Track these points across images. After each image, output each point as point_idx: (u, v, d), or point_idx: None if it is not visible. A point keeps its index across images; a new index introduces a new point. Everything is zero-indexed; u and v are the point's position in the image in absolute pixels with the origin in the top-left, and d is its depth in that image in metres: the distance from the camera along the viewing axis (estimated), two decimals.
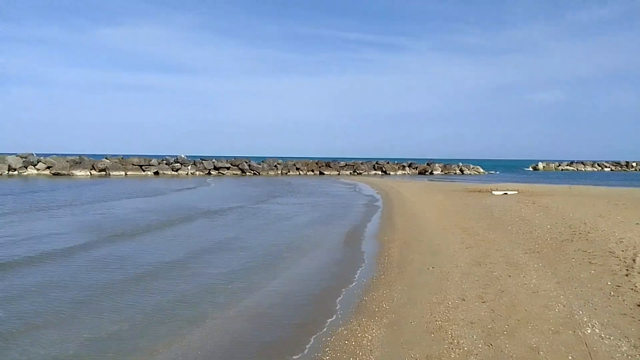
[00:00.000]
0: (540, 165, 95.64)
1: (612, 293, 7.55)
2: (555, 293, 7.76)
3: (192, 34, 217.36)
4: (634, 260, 9.51)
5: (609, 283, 8.10)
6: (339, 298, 8.43)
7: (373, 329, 6.73)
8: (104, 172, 57.38)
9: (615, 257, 9.96)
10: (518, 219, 16.71)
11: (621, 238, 11.98)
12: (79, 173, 55.80)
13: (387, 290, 8.65)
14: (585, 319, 6.50)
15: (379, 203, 25.17)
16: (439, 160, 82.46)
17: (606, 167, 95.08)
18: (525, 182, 45.53)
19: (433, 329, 6.50)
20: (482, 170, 78.52)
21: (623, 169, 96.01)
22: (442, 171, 74.75)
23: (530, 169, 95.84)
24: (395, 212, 20.27)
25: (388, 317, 7.18)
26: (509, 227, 14.84)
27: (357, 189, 36.67)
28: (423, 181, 48.74)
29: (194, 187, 37.49)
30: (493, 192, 29.45)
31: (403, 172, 72.58)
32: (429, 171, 73.87)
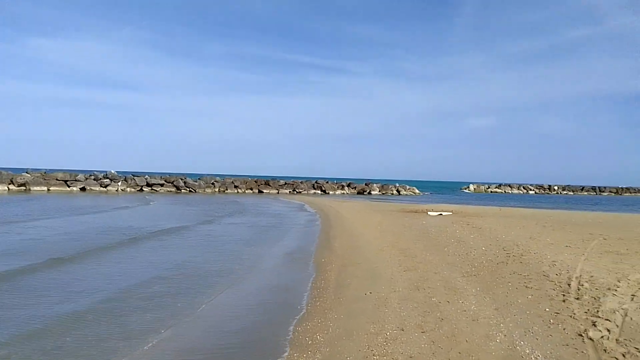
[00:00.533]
0: (472, 187, 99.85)
1: (551, 321, 7.34)
2: (495, 321, 7.45)
3: (132, 50, 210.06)
4: (568, 284, 9.49)
5: (547, 310, 7.92)
6: (270, 329, 7.69)
7: None
8: (23, 187, 53.19)
9: (550, 281, 9.93)
10: (454, 240, 16.72)
11: (554, 261, 12.12)
12: None
13: (321, 319, 8.01)
14: (528, 351, 6.18)
15: (318, 223, 24.65)
16: (376, 181, 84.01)
17: (531, 189, 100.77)
18: (458, 203, 46.96)
19: None
20: (417, 191, 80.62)
21: (546, 192, 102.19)
22: (379, 191, 75.91)
23: (466, 190, 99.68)
24: (333, 233, 19.79)
25: (322, 351, 6.52)
26: (446, 249, 14.73)
27: (295, 209, 36.05)
28: (362, 201, 48.99)
29: (132, 206, 35.30)
30: (429, 213, 29.86)
31: (342, 191, 72.94)
32: (367, 191, 74.75)
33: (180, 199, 46.77)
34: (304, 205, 40.13)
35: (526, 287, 9.52)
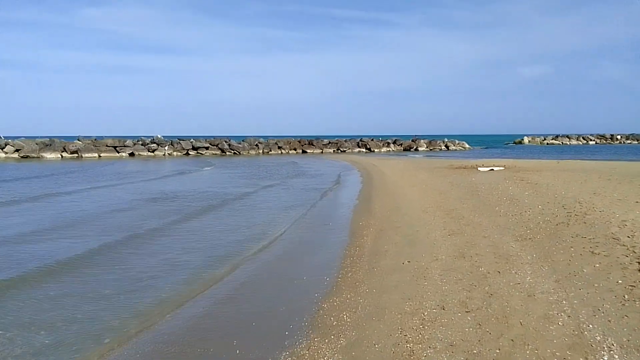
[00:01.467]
0: (526, 140, 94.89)
1: (625, 297, 6.08)
2: (555, 297, 6.28)
3: (176, 14, 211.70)
4: None
5: (620, 282, 6.63)
6: (295, 304, 6.89)
7: (326, 355, 5.18)
8: (75, 154, 55.00)
9: (621, 245, 8.51)
10: (506, 198, 15.26)
11: (623, 220, 10.56)
12: (49, 156, 53.41)
13: (351, 293, 7.11)
14: (599, 338, 5.02)
15: (359, 183, 23.63)
16: (424, 137, 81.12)
17: (591, 139, 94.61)
18: (511, 157, 44.40)
19: (402, 355, 4.97)
20: (467, 145, 77.41)
21: (608, 141, 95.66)
22: (427, 147, 73.47)
23: (512, 143, 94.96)
24: (374, 194, 18.74)
25: (347, 335, 5.63)
26: (497, 209, 13.37)
27: (336, 168, 35.08)
28: (408, 158, 47.35)
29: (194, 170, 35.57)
30: (479, 169, 28.08)
31: (388, 149, 71.11)
32: (414, 148, 72.54)
33: (228, 162, 46.73)
34: (345, 164, 39.09)
35: (592, 253, 8.18)
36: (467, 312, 5.96)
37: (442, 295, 6.60)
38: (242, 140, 65.20)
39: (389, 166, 33.65)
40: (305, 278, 8.24)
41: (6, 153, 53.18)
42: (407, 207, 14.65)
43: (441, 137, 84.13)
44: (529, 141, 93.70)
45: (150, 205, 16.98)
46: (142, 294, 7.45)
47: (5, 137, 57.71)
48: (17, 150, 53.56)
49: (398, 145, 73.26)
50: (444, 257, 8.57)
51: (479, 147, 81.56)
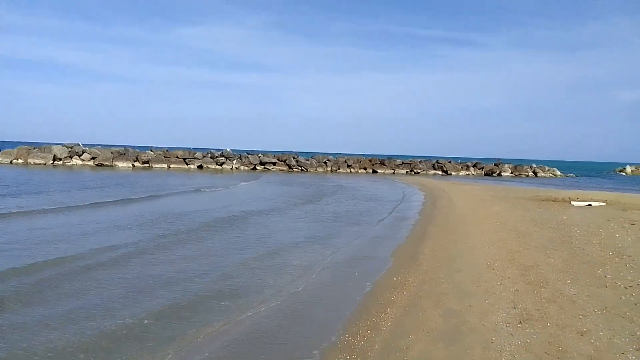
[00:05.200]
0: (629, 169, 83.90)
1: None
2: None
3: (265, 34, 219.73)
4: None
5: None
6: None
7: None
8: (146, 164, 55.64)
9: None
10: (613, 252, 10.83)
11: None
12: (122, 165, 54.41)
13: None
14: None
15: (416, 213, 19.74)
16: (508, 161, 74.08)
17: None
18: (612, 190, 37.72)
19: None
20: (559, 172, 69.32)
21: None
22: (512, 172, 66.63)
23: (621, 172, 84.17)
24: (430, 231, 14.86)
25: None
26: (600, 271, 9.12)
27: (398, 192, 31.16)
28: (487, 184, 42.09)
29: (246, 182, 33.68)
30: (572, 203, 22.96)
31: (467, 172, 65.36)
32: (497, 172, 66.05)
33: (287, 179, 44.38)
34: (410, 188, 35.02)
35: None
36: None
37: None
38: (311, 157, 62.91)
39: (461, 193, 29.16)
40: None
41: (83, 160, 54.88)
42: (465, 256, 10.73)
43: (529, 162, 76.45)
44: (632, 171, 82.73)
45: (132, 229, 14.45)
46: None
47: (87, 145, 59.89)
48: (93, 158, 55.11)
49: (478, 168, 67.20)
50: None
51: (572, 174, 72.97)
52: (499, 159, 72.98)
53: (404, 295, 7.96)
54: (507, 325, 6.30)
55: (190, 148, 65.92)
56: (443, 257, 10.78)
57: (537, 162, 76.30)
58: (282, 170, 59.01)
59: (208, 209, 19.24)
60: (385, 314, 6.98)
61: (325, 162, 61.88)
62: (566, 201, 23.69)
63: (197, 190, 27.73)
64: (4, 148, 54.65)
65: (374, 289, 8.43)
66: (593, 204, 22.51)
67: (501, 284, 8.32)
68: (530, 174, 67.12)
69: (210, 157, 59.70)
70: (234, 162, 59.79)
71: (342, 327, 6.65)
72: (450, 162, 67.21)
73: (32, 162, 51.84)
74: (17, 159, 51.95)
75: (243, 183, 35.52)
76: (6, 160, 51.42)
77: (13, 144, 63.26)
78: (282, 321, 7.01)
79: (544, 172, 68.41)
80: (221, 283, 8.76)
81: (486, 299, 7.46)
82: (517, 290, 7.86)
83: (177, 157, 58.43)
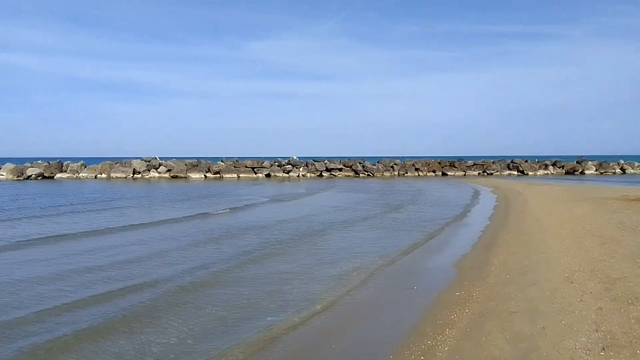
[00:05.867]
0: None
1: None
2: None
3: (330, 43, 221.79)
4: None
5: None
6: None
7: None
8: (218, 175, 57.48)
9: None
10: None
11: None
12: (194, 176, 56.60)
13: None
14: None
15: (486, 218, 18.44)
16: (593, 157, 68.60)
17: None
18: None
19: None
20: None
21: None
22: (596, 170, 61.68)
23: None
24: (501, 239, 13.68)
25: None
26: None
27: (469, 194, 29.57)
28: (569, 184, 39.08)
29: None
30: None
31: (545, 172, 61.36)
32: (580, 170, 61.42)
33: (355, 185, 43.83)
34: (481, 190, 33.15)
35: None
36: None
37: None
38: (377, 162, 61.96)
39: (538, 194, 27.10)
40: None
41: (159, 173, 57.68)
42: (540, 267, 9.63)
43: (615, 158, 70.41)
44: None
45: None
46: None
47: (163, 158, 62.98)
48: (168, 170, 57.79)
49: (558, 167, 62.87)
50: None
51: None
52: (582, 155, 67.84)
53: (466, 313, 7.16)
54: (588, 353, 5.38)
55: (259, 157, 67.38)
56: (514, 268, 9.76)
57: (625, 157, 70.05)
58: (349, 176, 58.56)
59: (294, 219, 19.14)
60: (443, 337, 6.26)
61: (392, 167, 60.68)
62: None
63: (279, 200, 27.67)
64: (89, 164, 58.65)
65: (434, 306, 7.69)
66: None
67: (581, 300, 7.28)
68: (618, 170, 61.76)
69: (278, 166, 60.53)
70: (301, 169, 60.23)
71: (394, 350, 6.02)
72: (526, 161, 63.42)
73: (114, 176, 55.26)
74: (101, 174, 55.60)
75: (322, 192, 34.66)
76: (91, 175, 55.19)
77: (97, 160, 67.88)
78: (334, 336, 6.51)
79: (633, 168, 62.68)
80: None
81: (562, 319, 6.50)
82: (601, 309, 6.82)
83: (246, 166, 59.85)
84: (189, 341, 6.54)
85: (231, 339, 6.59)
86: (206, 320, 7.36)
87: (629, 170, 61.65)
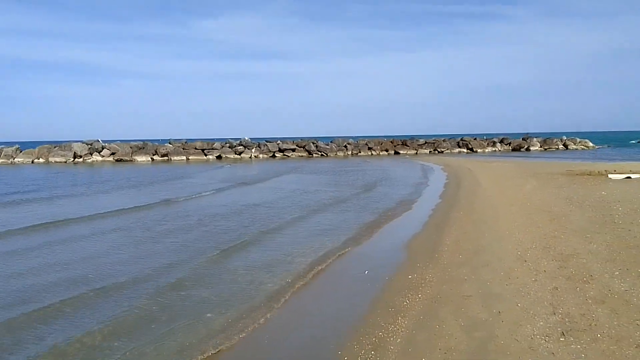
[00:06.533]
0: None
1: None
2: None
3: (281, 21, 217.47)
4: None
5: None
6: None
7: None
8: (165, 157, 55.29)
9: None
10: None
11: None
12: (140, 159, 54.16)
13: None
14: None
15: (437, 197, 18.32)
16: (537, 134, 70.97)
17: None
18: None
19: None
20: (591, 144, 66.22)
21: None
22: (541, 147, 63.88)
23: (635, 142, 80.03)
24: (453, 217, 13.45)
25: None
26: None
27: (418, 174, 29.66)
28: (515, 160, 40.08)
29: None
30: (610, 176, 21.19)
31: (493, 149, 62.92)
32: (525, 147, 63.37)
33: (305, 165, 43.17)
34: (432, 168, 33.40)
35: None
36: None
37: None
38: (331, 142, 61.54)
39: (488, 171, 27.46)
40: None
41: (103, 156, 54.83)
42: (493, 246, 9.38)
43: (558, 134, 73.22)
44: None
45: None
46: None
47: (108, 141, 59.90)
48: (112, 154, 55.04)
49: (506, 144, 64.62)
50: None
51: (605, 145, 69.59)
52: (527, 133, 70.07)
53: (419, 298, 6.72)
54: (547, 339, 5.02)
55: (209, 139, 65.43)
56: (467, 248, 9.46)
57: (567, 134, 72.97)
58: (302, 156, 57.91)
59: (270, 203, 18.26)
60: (395, 326, 5.77)
61: (345, 146, 60.44)
62: (602, 174, 21.87)
63: (244, 184, 26.48)
64: (25, 148, 55.00)
65: (385, 294, 7.20)
66: (633, 176, 20.67)
67: (536, 280, 7.00)
68: (561, 146, 64.26)
69: (229, 147, 58.96)
70: (253, 150, 58.94)
71: (341, 345, 5.48)
72: (475, 139, 64.82)
73: (53, 161, 52.06)
74: (38, 158, 52.29)
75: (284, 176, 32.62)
76: (27, 160, 51.79)
77: (34, 144, 63.77)
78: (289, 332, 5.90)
79: (575, 144, 65.44)
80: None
81: (518, 302, 6.17)
82: (556, 289, 6.54)
83: (195, 148, 57.90)
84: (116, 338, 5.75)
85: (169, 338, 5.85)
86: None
87: (571, 146, 64.26)
